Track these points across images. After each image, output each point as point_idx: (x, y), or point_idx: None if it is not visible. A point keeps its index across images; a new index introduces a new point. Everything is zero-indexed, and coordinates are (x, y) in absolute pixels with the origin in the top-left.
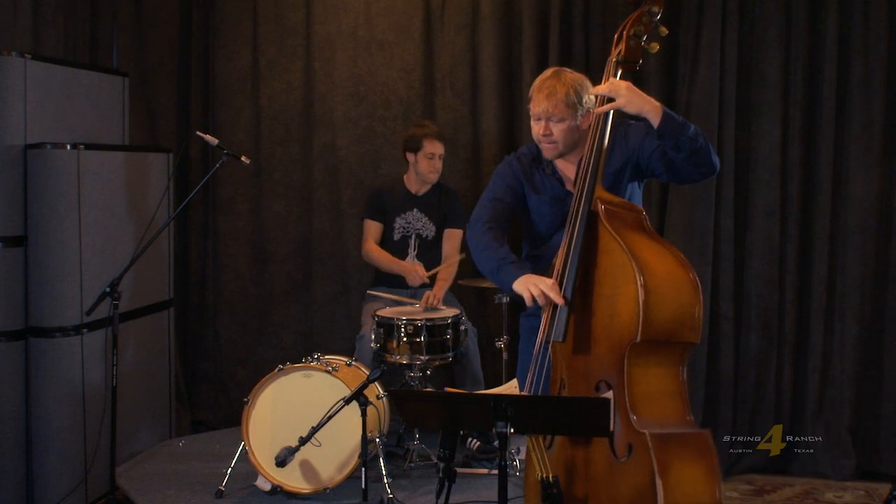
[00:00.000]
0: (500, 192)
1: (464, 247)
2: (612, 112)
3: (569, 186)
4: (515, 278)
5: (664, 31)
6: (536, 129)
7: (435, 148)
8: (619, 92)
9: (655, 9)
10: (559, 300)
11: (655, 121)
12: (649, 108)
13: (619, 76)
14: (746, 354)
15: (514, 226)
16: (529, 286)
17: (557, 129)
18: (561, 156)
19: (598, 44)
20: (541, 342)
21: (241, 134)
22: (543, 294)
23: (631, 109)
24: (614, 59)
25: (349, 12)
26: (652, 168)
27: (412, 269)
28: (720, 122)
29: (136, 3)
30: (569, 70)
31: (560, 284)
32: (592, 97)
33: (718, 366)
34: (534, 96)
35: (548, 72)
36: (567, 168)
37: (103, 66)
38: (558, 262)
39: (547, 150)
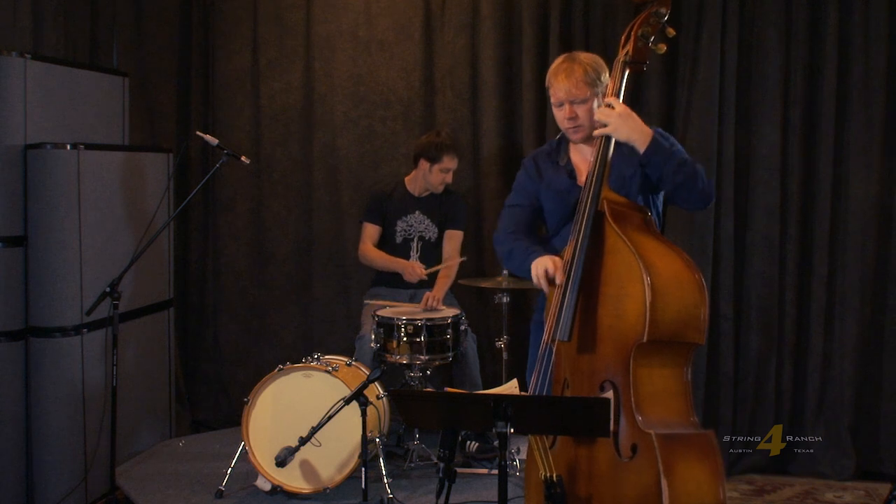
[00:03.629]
0: (518, 199)
1: (464, 249)
2: None
3: (580, 180)
4: (534, 260)
5: (671, 32)
6: (560, 115)
7: (453, 164)
8: (609, 119)
9: (663, 10)
10: (559, 277)
11: (641, 149)
12: (637, 136)
13: (626, 77)
14: (746, 354)
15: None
16: (537, 265)
17: (582, 111)
18: (589, 139)
19: (598, 44)
20: (546, 341)
21: (241, 134)
22: (546, 271)
23: (619, 137)
24: (622, 60)
25: (349, 12)
26: (660, 186)
27: (409, 265)
28: (720, 123)
29: (136, 3)
30: (581, 52)
31: (566, 284)
32: (608, 77)
33: (718, 366)
34: (553, 82)
35: (561, 57)
36: (581, 160)
37: (103, 66)
38: (563, 262)
39: (574, 134)
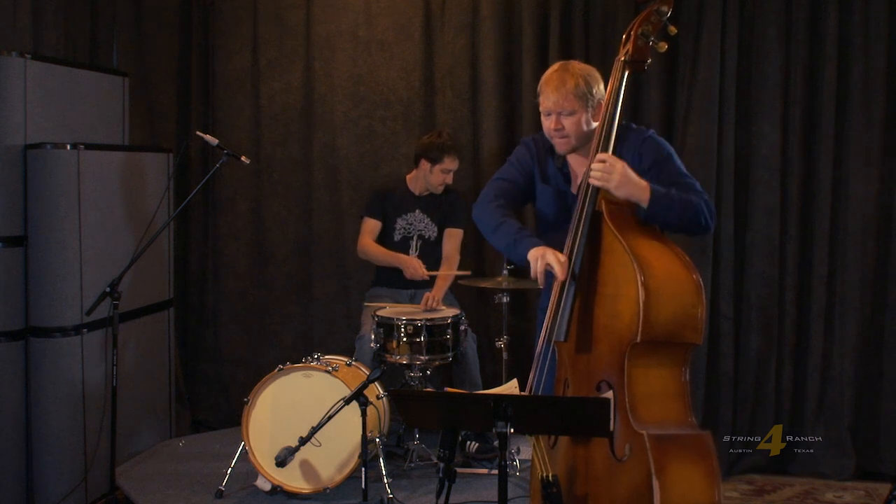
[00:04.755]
0: (512, 174)
1: (464, 249)
2: (618, 112)
3: (573, 187)
4: (532, 248)
5: (673, 30)
6: (547, 124)
7: (453, 165)
8: (611, 178)
9: (665, 8)
10: (561, 275)
11: (644, 205)
12: (638, 192)
13: (626, 76)
14: (746, 354)
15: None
16: (538, 257)
17: (569, 123)
18: (574, 150)
19: (598, 44)
20: (543, 341)
21: (241, 134)
22: (550, 265)
23: (620, 194)
24: (622, 59)
25: (349, 12)
26: (664, 228)
27: (411, 262)
28: (720, 123)
29: (136, 3)
30: (577, 62)
31: (563, 283)
32: (602, 89)
33: (718, 366)
34: (542, 91)
35: (555, 65)
36: (577, 164)
37: (103, 66)
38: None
39: (560, 146)
